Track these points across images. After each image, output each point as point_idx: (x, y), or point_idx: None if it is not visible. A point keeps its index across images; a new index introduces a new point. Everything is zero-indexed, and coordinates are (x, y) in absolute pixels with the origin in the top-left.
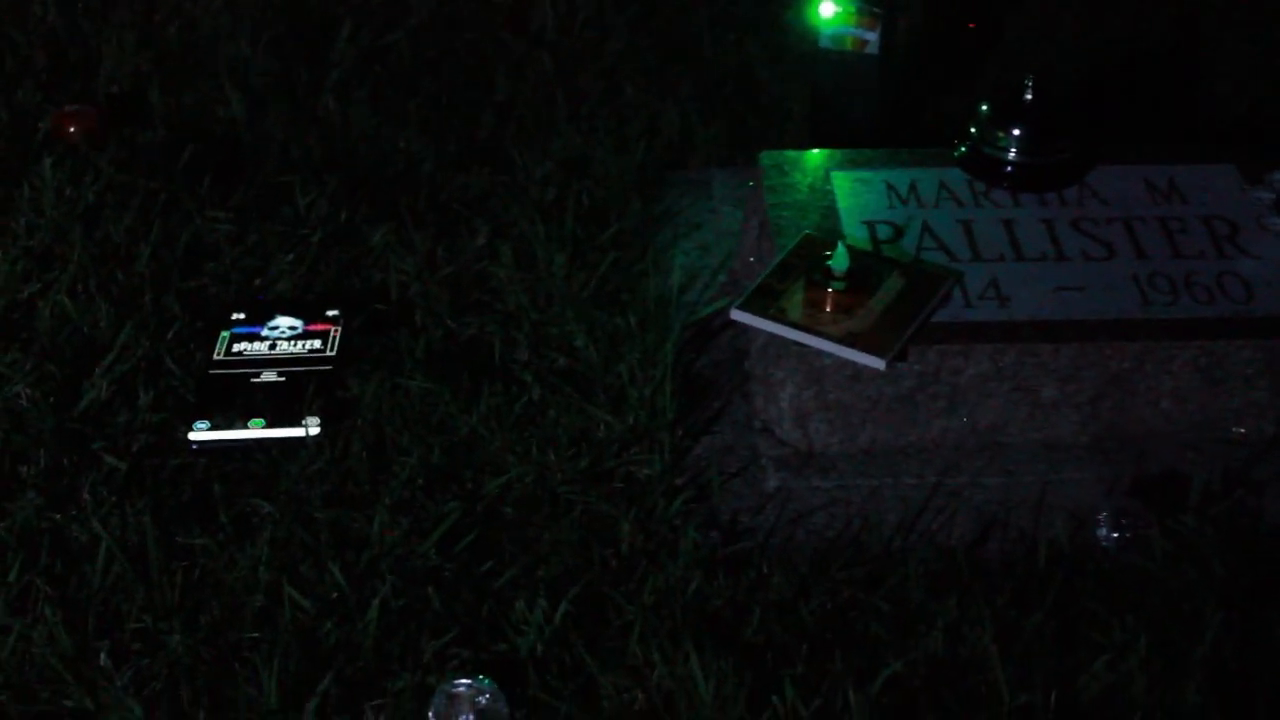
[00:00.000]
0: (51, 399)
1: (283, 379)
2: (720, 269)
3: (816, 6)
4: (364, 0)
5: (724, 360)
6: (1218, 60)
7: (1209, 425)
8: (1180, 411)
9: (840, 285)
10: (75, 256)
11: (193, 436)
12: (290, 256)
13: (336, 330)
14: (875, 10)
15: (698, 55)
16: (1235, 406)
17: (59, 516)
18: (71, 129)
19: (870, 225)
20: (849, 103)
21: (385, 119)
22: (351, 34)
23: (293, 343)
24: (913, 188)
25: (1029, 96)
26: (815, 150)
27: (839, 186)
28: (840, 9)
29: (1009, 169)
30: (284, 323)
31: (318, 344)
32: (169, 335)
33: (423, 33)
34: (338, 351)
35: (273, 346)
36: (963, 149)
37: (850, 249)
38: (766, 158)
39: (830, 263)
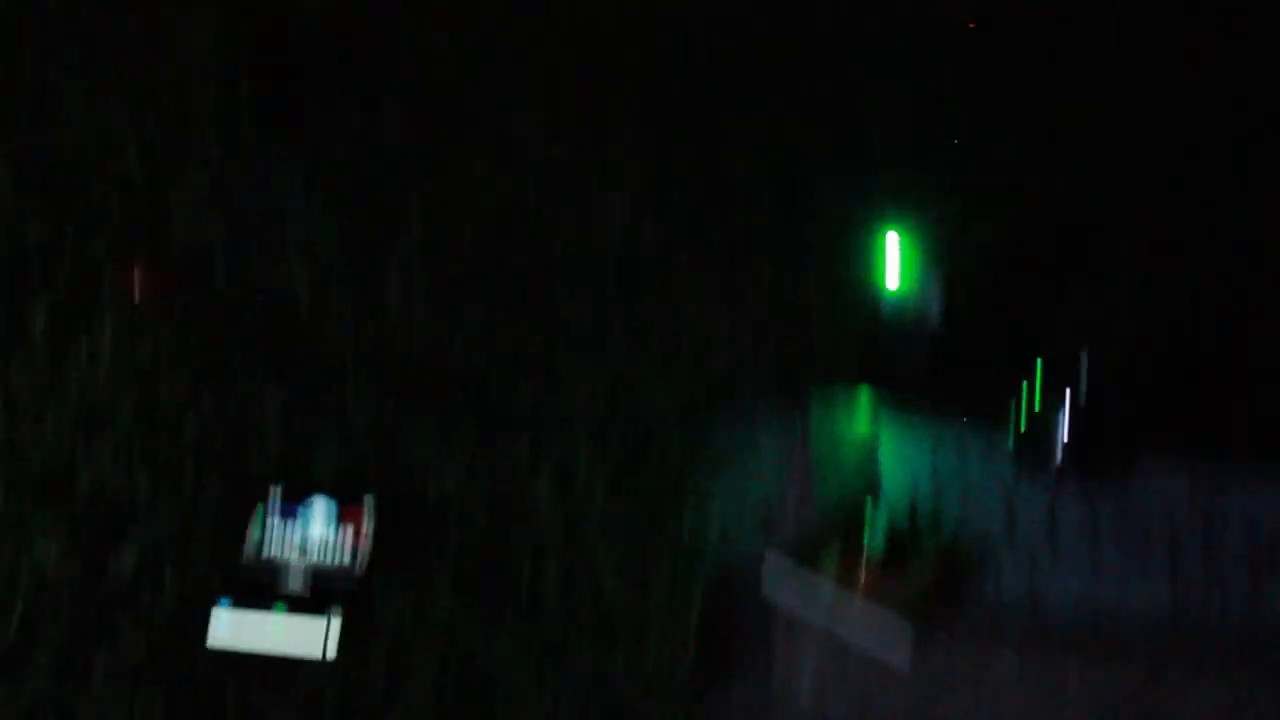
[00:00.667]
0: (79, 566)
1: (308, 594)
2: (758, 508)
3: (882, 272)
4: (435, 189)
5: (754, 612)
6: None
7: None
8: None
9: (874, 552)
10: (123, 422)
11: (211, 641)
12: (331, 447)
13: (368, 529)
14: (942, 272)
15: (759, 283)
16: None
17: (67, 695)
18: (137, 284)
19: (913, 482)
20: (903, 360)
21: (443, 314)
22: (420, 224)
23: (327, 526)
24: (959, 451)
25: (1082, 382)
26: (863, 397)
27: (885, 435)
28: (901, 279)
29: (1056, 448)
30: (320, 505)
31: (350, 531)
32: (205, 510)
33: (487, 229)
34: (367, 556)
35: (307, 526)
36: (1013, 426)
37: (890, 512)
38: (814, 398)
39: (869, 525)
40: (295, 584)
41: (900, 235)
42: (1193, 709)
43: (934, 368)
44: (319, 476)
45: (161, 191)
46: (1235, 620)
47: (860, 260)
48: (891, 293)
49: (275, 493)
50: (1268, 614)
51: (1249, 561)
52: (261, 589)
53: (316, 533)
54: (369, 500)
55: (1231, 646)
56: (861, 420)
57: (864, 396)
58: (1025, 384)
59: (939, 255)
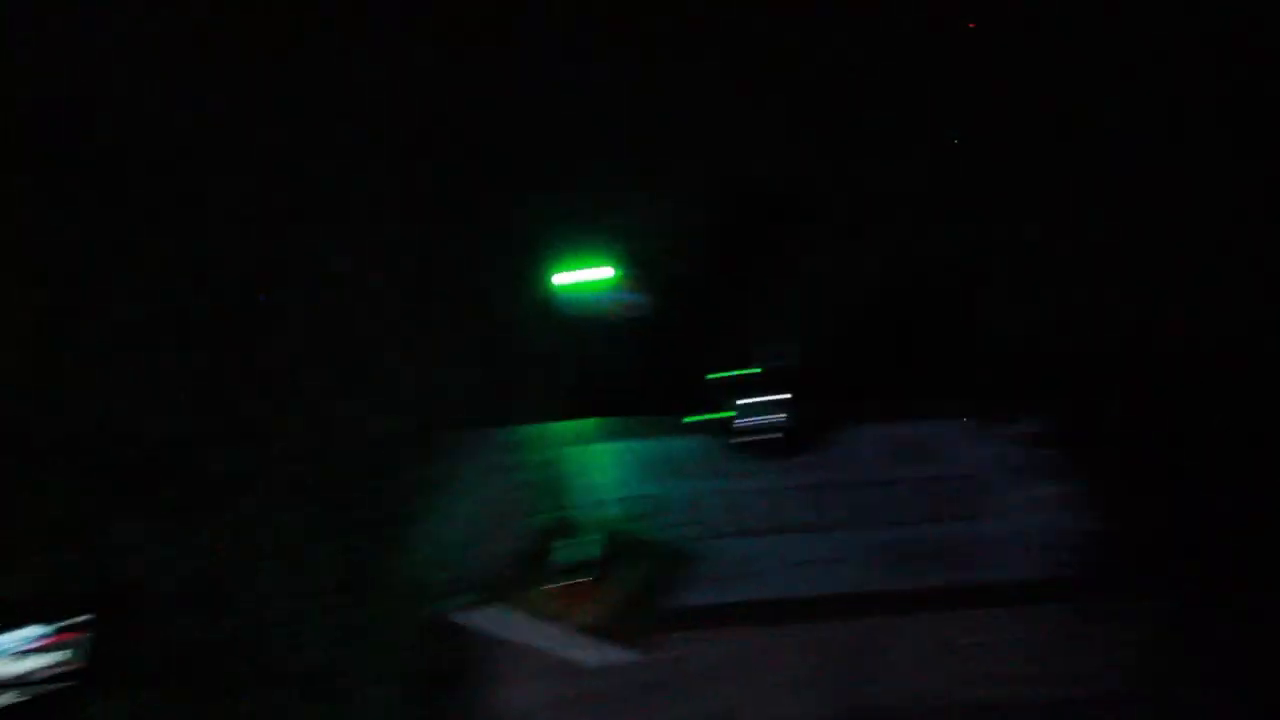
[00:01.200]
0: None
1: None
2: (475, 543)
3: (565, 276)
4: (119, 265)
5: (470, 648)
6: (974, 314)
7: (948, 694)
8: (919, 683)
9: (580, 575)
10: None
11: None
12: (26, 560)
13: (85, 637)
14: (637, 277)
15: (461, 310)
16: (973, 674)
17: None
18: None
19: (627, 501)
20: (607, 369)
21: (139, 393)
22: (109, 305)
23: (40, 652)
24: (673, 459)
25: (778, 366)
26: (570, 422)
27: (597, 460)
28: (593, 280)
29: (767, 437)
30: (31, 630)
31: (67, 654)
32: None
33: (183, 296)
34: (86, 660)
35: (20, 655)
36: (720, 418)
37: (596, 536)
38: (518, 432)
39: (570, 554)
40: (5, 700)
41: (597, 252)
42: (907, 660)
43: (643, 374)
44: (20, 594)
45: None
46: (946, 569)
47: (556, 279)
48: (591, 307)
49: None
50: (971, 559)
51: (950, 516)
52: None
53: (34, 660)
54: (83, 619)
55: (939, 596)
56: (570, 438)
57: (574, 418)
58: (732, 379)
59: (638, 266)
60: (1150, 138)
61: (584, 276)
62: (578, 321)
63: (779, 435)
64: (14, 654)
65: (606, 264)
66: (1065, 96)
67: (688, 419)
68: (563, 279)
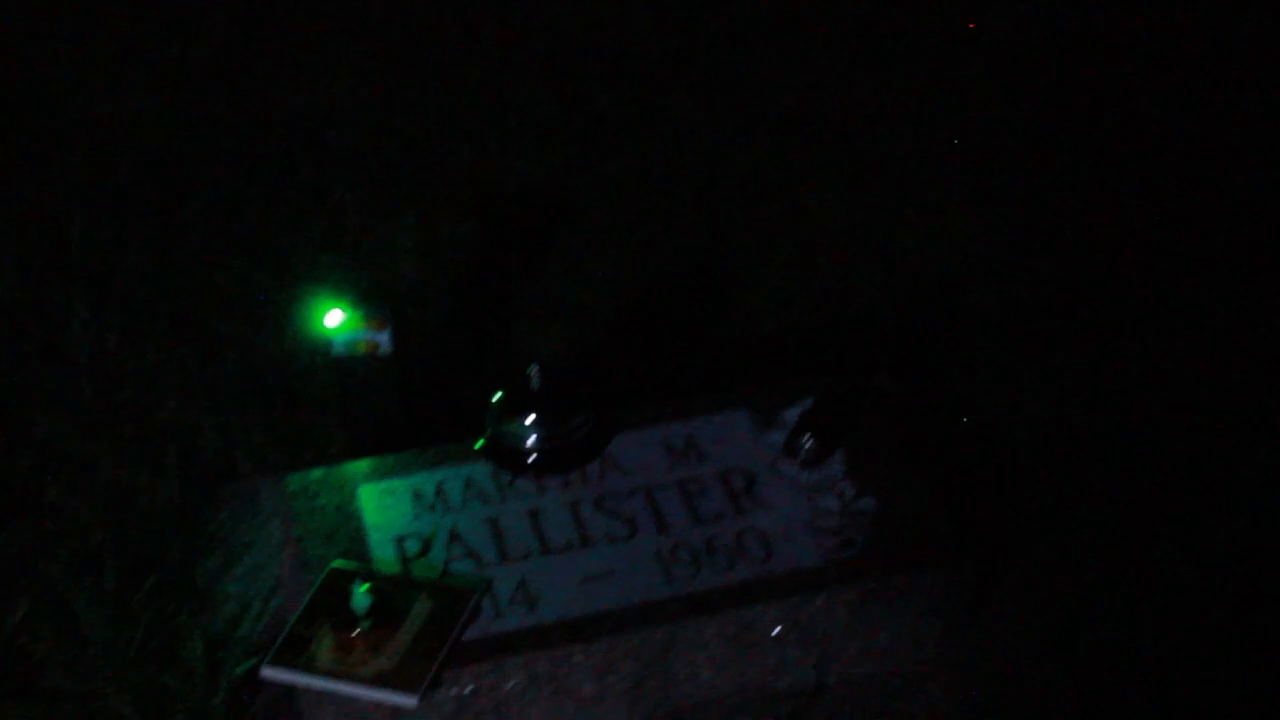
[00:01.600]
0: None
1: None
2: (272, 594)
3: (324, 316)
4: None
5: (280, 699)
6: (734, 296)
7: (751, 688)
8: (720, 680)
9: (365, 624)
10: None
11: None
12: None
13: None
14: (382, 313)
15: (234, 356)
16: (771, 665)
17: None
18: None
19: (399, 541)
20: (373, 405)
21: None
22: None
23: None
24: (439, 491)
25: (535, 382)
26: (343, 465)
27: (366, 503)
28: (347, 315)
29: (527, 456)
30: None
31: None
32: None
33: None
34: None
35: None
36: (482, 442)
37: (372, 582)
38: (293, 481)
39: (351, 603)
40: None
41: (346, 282)
42: (705, 659)
43: (402, 407)
44: None
45: None
46: (721, 567)
47: (316, 317)
48: (343, 342)
49: None
50: (753, 553)
51: (727, 512)
52: None
53: None
54: None
55: (721, 593)
56: (343, 485)
57: (342, 461)
58: (491, 399)
59: (378, 301)
60: None
61: (338, 317)
62: (340, 360)
63: (537, 453)
64: None
65: (342, 304)
66: None
67: (477, 445)
68: (331, 318)
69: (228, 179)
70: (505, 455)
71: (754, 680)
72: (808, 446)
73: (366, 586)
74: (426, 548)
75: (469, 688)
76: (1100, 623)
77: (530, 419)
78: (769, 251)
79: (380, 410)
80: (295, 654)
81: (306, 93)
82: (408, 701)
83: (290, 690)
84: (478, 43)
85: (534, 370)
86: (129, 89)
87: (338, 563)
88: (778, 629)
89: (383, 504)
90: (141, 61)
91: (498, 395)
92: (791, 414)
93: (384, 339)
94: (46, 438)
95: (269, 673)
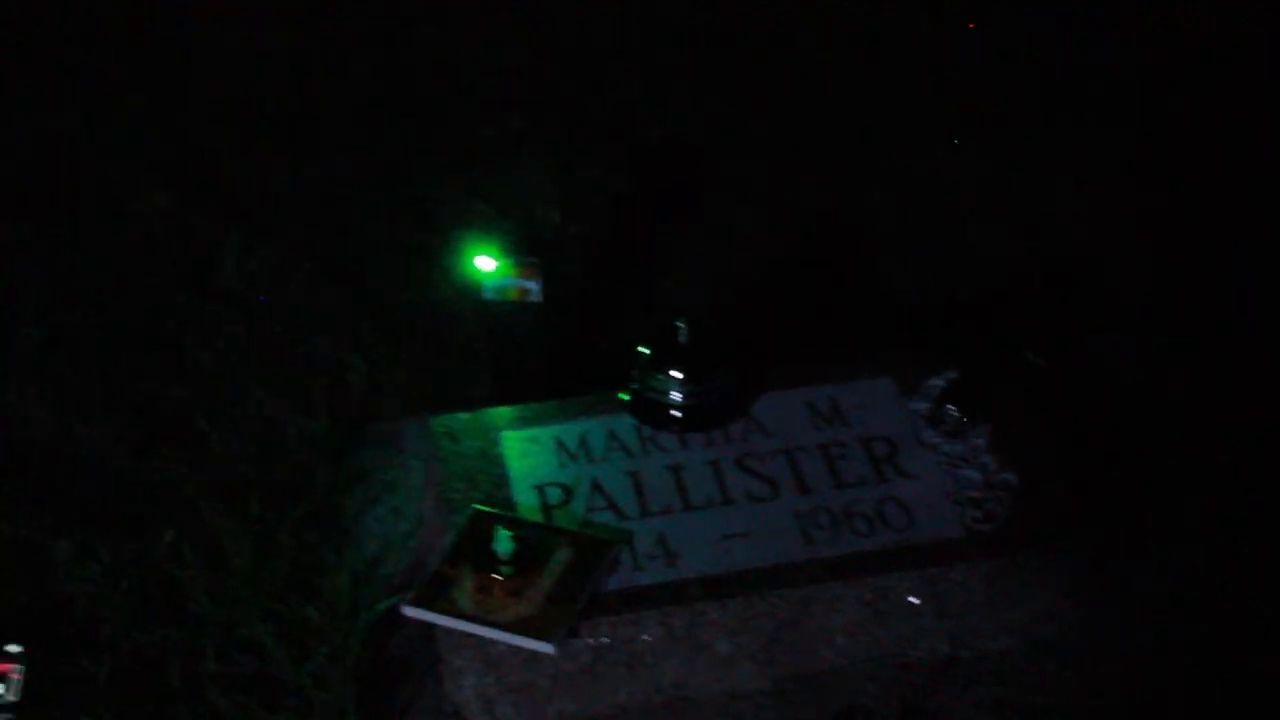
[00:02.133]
0: None
1: None
2: (412, 534)
3: (475, 261)
4: (41, 275)
5: (418, 638)
6: (881, 266)
7: (883, 656)
8: (854, 646)
9: (507, 569)
10: None
11: None
12: None
13: (20, 670)
14: (533, 260)
15: (382, 298)
16: (906, 634)
17: None
18: None
19: (540, 489)
20: (520, 352)
21: (69, 409)
22: (33, 318)
23: None
24: (582, 442)
25: (683, 337)
26: (488, 410)
27: (509, 449)
28: (498, 262)
29: (672, 411)
30: None
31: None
32: None
33: (101, 302)
34: (21, 695)
35: None
36: (627, 395)
37: (514, 528)
38: (437, 424)
39: (493, 546)
40: None
41: (496, 230)
42: (840, 624)
43: (549, 355)
44: None
45: None
46: (861, 533)
47: (466, 265)
48: (494, 288)
49: None
50: (894, 521)
51: (869, 478)
52: None
53: None
54: (16, 649)
55: (860, 560)
56: (487, 430)
57: (486, 407)
58: (635, 351)
59: (535, 240)
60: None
61: (490, 263)
62: (490, 306)
63: (683, 408)
64: None
65: (494, 251)
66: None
67: (621, 396)
68: (483, 263)
69: (376, 122)
70: (649, 409)
71: (887, 648)
72: (952, 417)
73: (510, 532)
74: (568, 497)
75: (605, 638)
76: (1238, 603)
77: (676, 374)
78: (916, 218)
79: (526, 358)
80: (436, 594)
81: (455, 40)
82: (545, 648)
83: (429, 631)
84: None
85: (681, 325)
86: (273, 26)
87: (480, 506)
88: (914, 598)
89: (526, 451)
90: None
91: (644, 349)
92: (936, 384)
93: (534, 287)
94: (196, 369)
95: (410, 611)
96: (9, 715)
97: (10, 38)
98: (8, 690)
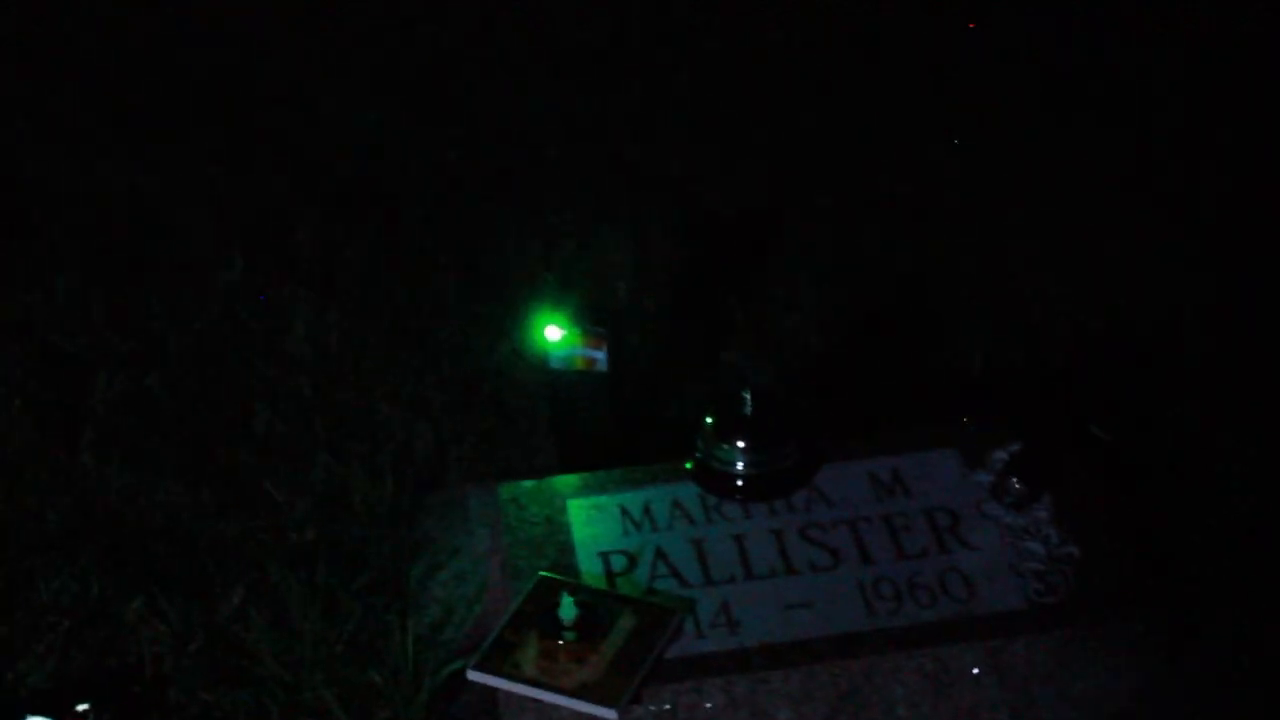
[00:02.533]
0: None
1: None
2: (476, 600)
3: (543, 330)
4: (119, 340)
5: (480, 703)
6: (945, 335)
7: None
8: (916, 717)
9: (570, 635)
10: None
11: None
12: (40, 647)
13: None
14: (601, 330)
15: (450, 366)
16: (967, 706)
17: None
18: None
19: (605, 557)
20: (585, 420)
21: (142, 471)
22: (106, 383)
23: None
24: (646, 510)
25: (747, 408)
26: (554, 478)
27: (575, 516)
28: (566, 331)
29: (736, 481)
30: None
31: None
32: None
33: (179, 369)
34: None
35: None
36: (691, 464)
37: (578, 595)
38: (504, 491)
39: (558, 613)
40: None
41: (564, 300)
42: (901, 694)
43: (614, 424)
44: (31, 686)
45: None
46: (923, 604)
47: (534, 330)
48: (561, 358)
49: None
50: (955, 592)
51: (931, 549)
52: None
53: None
54: (84, 707)
55: (922, 630)
56: (552, 498)
57: (552, 475)
58: (700, 421)
59: (602, 311)
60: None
61: (558, 332)
62: (556, 375)
63: (747, 478)
64: None
65: (562, 320)
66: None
67: (686, 466)
68: (551, 333)
69: (445, 187)
70: (713, 478)
71: (963, 717)
72: (1015, 489)
73: (574, 598)
74: (632, 564)
75: (667, 705)
76: None
77: (740, 444)
78: (978, 293)
79: (591, 427)
80: (501, 659)
81: (521, 104)
82: (608, 714)
83: (492, 696)
84: (698, 59)
85: (746, 395)
86: (351, 94)
87: (545, 573)
88: (976, 669)
89: (590, 519)
90: (365, 66)
91: (709, 418)
92: (999, 456)
93: (600, 356)
94: (265, 432)
95: (474, 675)
96: None
97: (104, 100)
98: None
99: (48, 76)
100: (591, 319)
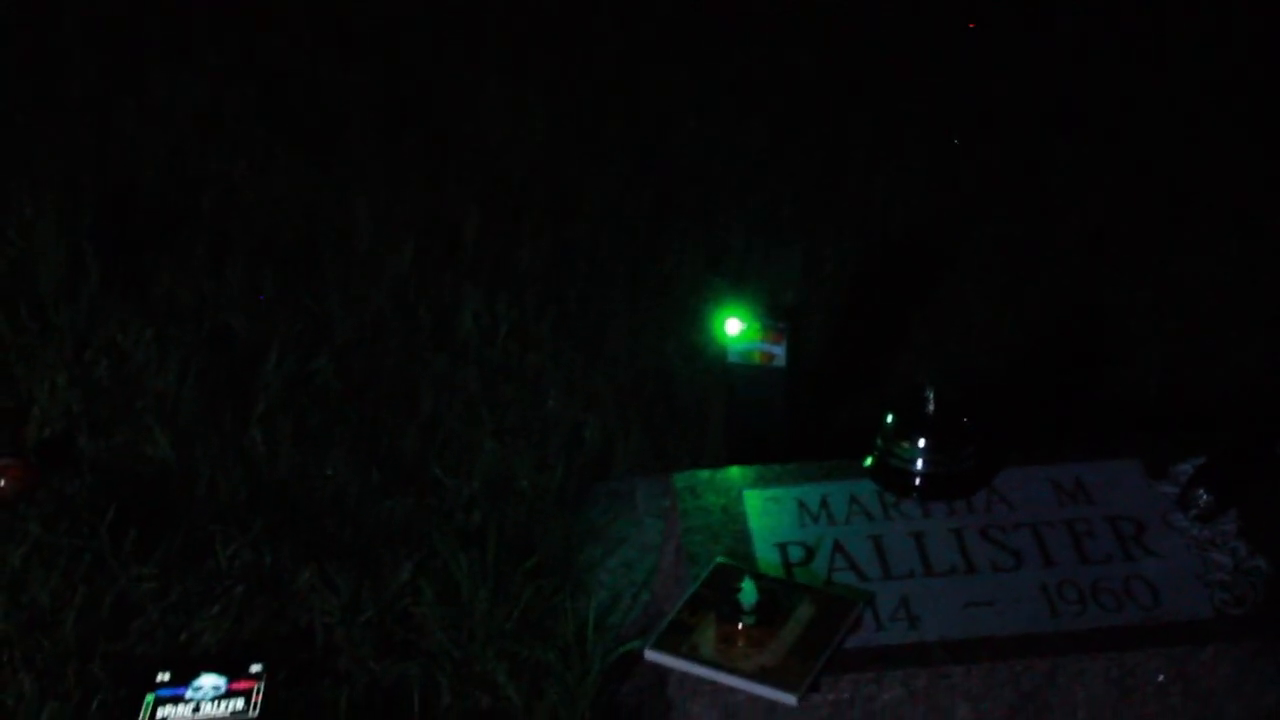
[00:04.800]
0: None
1: None
2: (644, 586)
3: (724, 324)
4: (289, 323)
5: (648, 687)
6: (1124, 349)
7: None
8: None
9: (750, 619)
10: (2, 629)
11: None
12: (215, 609)
13: (260, 689)
14: (780, 325)
15: (617, 360)
16: (1151, 713)
17: None
18: (1, 483)
19: (782, 547)
20: (761, 415)
21: (311, 448)
22: (278, 361)
23: (216, 704)
24: (824, 504)
25: (930, 406)
26: (728, 469)
27: (751, 507)
28: (746, 326)
29: (916, 480)
30: (208, 682)
31: (240, 705)
32: (93, 706)
33: (347, 353)
34: (260, 713)
35: (196, 709)
36: (870, 461)
37: (759, 581)
38: (680, 479)
39: (739, 597)
40: None
41: (741, 296)
42: (1084, 697)
43: (790, 419)
44: (203, 647)
45: (18, 380)
46: (1108, 609)
47: (708, 322)
48: (739, 352)
49: (161, 678)
50: (1141, 599)
51: (1116, 555)
52: None
53: (210, 710)
54: (258, 668)
55: (1106, 635)
56: (728, 488)
57: (728, 465)
58: (881, 419)
59: (781, 307)
60: None
61: (737, 326)
62: (733, 369)
63: (925, 477)
64: (193, 705)
65: (742, 314)
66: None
67: (865, 462)
68: (731, 326)
69: (616, 192)
70: (893, 476)
71: None
72: (1203, 501)
73: (756, 583)
74: (810, 556)
75: (846, 694)
76: None
77: (922, 443)
78: (1157, 306)
79: (766, 421)
80: (678, 641)
81: (690, 116)
82: (788, 699)
83: (662, 678)
84: (872, 80)
85: (930, 394)
86: (525, 103)
87: (723, 559)
88: (1160, 676)
89: (767, 510)
90: (539, 80)
91: (890, 416)
92: (1184, 468)
93: (779, 351)
94: (433, 419)
95: (652, 656)
96: None
97: (281, 107)
98: (249, 707)
99: (224, 85)
100: (771, 315)
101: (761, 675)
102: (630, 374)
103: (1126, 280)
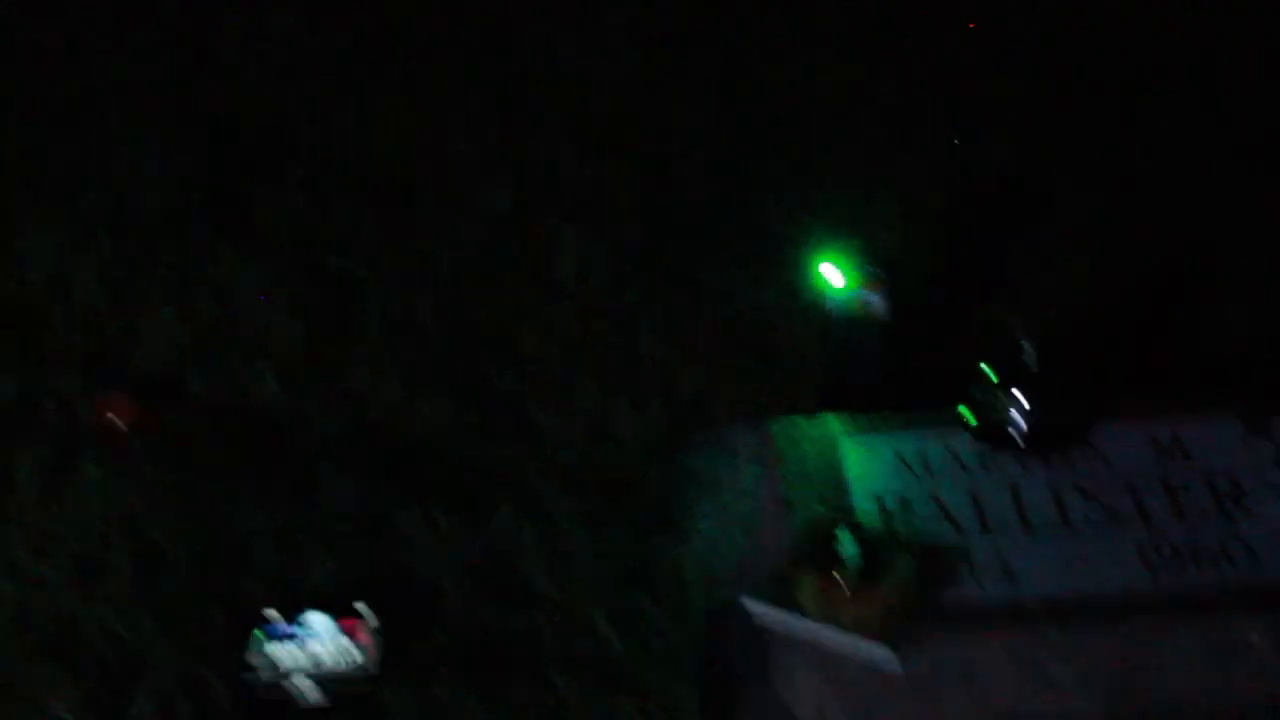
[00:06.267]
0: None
1: (330, 704)
2: (745, 533)
3: (821, 272)
4: (390, 262)
5: (747, 639)
6: (1221, 299)
7: (1225, 692)
8: (1195, 680)
9: (849, 573)
10: (117, 565)
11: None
12: (320, 548)
13: (371, 632)
14: (879, 274)
15: (714, 304)
16: (1249, 673)
17: None
18: (112, 418)
19: (879, 498)
20: (858, 362)
21: (412, 387)
22: (379, 301)
23: (332, 652)
24: (921, 455)
25: (1029, 359)
26: (826, 416)
27: (849, 456)
28: (845, 275)
29: (1013, 432)
30: (317, 621)
31: (358, 655)
32: (210, 642)
33: (446, 293)
34: (372, 658)
35: (311, 655)
36: (967, 411)
37: (858, 534)
38: (778, 427)
39: (837, 548)
40: (313, 698)
41: (839, 244)
42: (1180, 660)
43: (887, 368)
44: (312, 585)
45: (125, 314)
46: (1206, 570)
47: (805, 273)
48: (838, 301)
49: (271, 616)
50: (1239, 560)
51: (1213, 515)
52: (279, 710)
53: (320, 648)
54: (363, 607)
55: (1204, 597)
56: (826, 436)
57: (825, 413)
58: (978, 370)
59: (878, 256)
60: None
61: (838, 275)
62: (831, 317)
63: (1022, 430)
64: (302, 642)
65: (842, 263)
66: None
67: (962, 412)
68: (829, 274)
69: (713, 135)
70: (990, 428)
71: (1229, 687)
72: None
73: (853, 537)
74: (906, 507)
75: (943, 650)
76: None
77: (1020, 396)
78: (1255, 261)
79: (863, 370)
80: (778, 592)
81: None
82: (884, 652)
83: (760, 631)
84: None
85: (1028, 345)
86: (612, 47)
87: (821, 509)
88: (1255, 636)
89: (865, 460)
90: (622, 24)
91: (987, 367)
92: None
93: (878, 301)
94: (529, 357)
95: (750, 604)
96: (362, 674)
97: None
98: (367, 660)
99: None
100: (871, 263)
101: (859, 626)
102: (729, 320)
103: (1227, 226)
